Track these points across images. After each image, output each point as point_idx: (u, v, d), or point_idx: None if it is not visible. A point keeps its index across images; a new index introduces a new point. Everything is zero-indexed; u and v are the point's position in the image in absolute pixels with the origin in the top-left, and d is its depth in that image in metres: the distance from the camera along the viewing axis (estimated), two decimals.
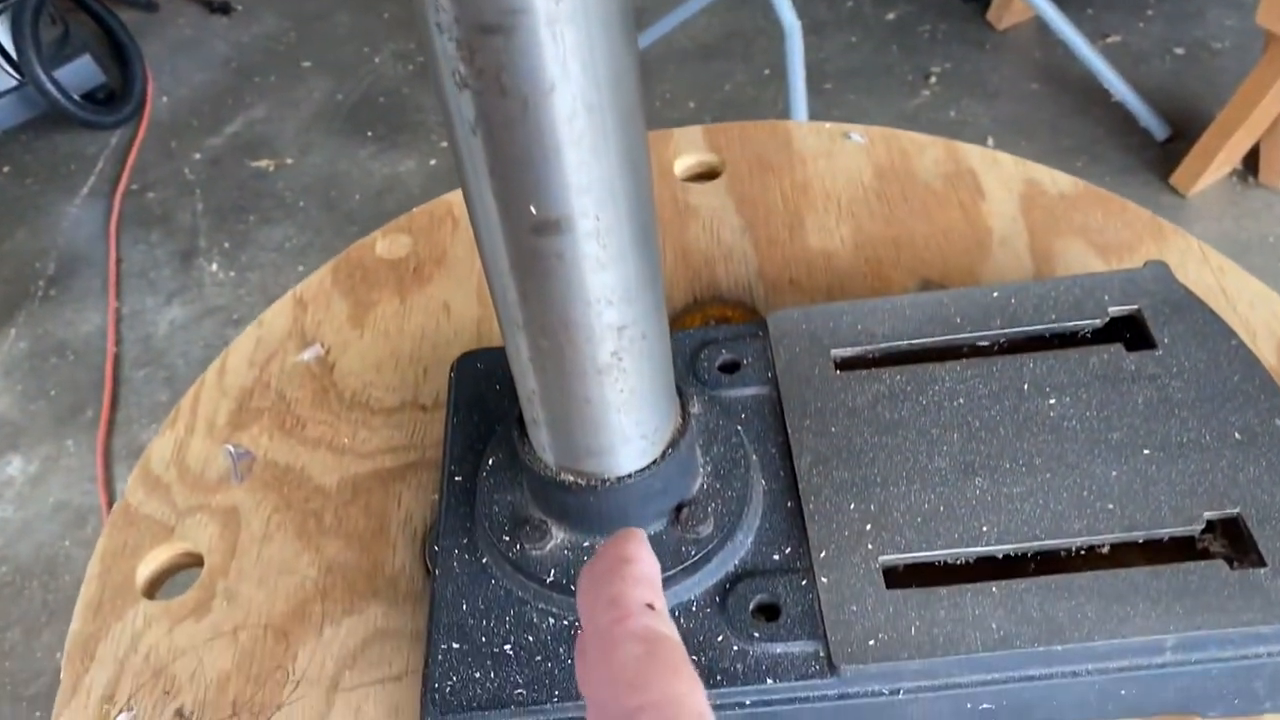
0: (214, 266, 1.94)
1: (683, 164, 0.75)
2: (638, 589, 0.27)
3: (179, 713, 0.51)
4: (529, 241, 0.37)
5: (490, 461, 0.52)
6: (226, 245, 1.98)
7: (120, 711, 0.51)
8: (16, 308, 1.90)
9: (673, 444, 0.47)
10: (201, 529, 0.58)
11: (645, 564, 0.27)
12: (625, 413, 0.43)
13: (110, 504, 1.61)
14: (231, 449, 0.61)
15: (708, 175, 0.75)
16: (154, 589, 0.57)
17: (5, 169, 2.19)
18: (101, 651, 0.54)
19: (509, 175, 0.35)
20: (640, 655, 0.25)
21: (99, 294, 1.91)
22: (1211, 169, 1.73)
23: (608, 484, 0.46)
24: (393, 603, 0.54)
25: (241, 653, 0.53)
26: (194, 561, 0.58)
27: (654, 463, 0.46)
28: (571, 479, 0.46)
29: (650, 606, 0.26)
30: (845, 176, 0.72)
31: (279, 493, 0.59)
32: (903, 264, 0.66)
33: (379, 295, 0.69)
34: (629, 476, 0.46)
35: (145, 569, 0.57)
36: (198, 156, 2.18)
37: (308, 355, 0.66)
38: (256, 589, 0.55)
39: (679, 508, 0.49)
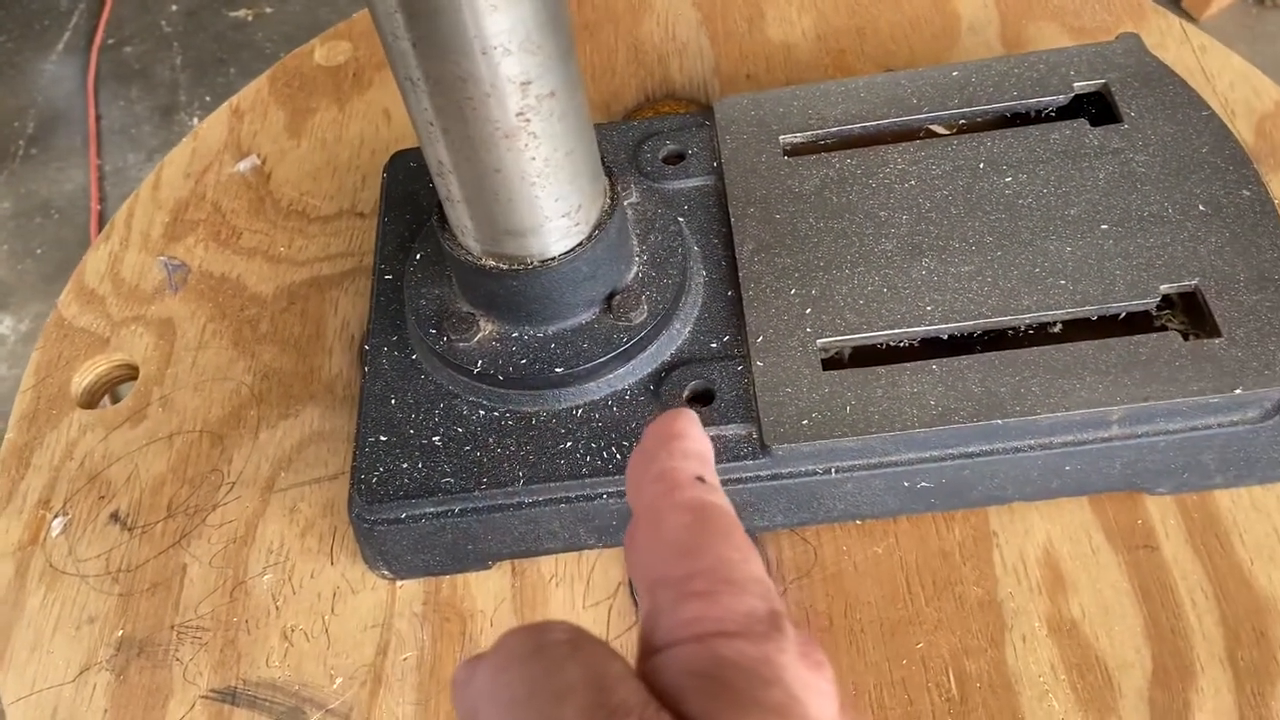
0: (195, 121, 1.89)
1: None
2: (687, 463, 0.25)
3: (114, 515, 0.51)
4: None
5: (418, 256, 0.50)
6: (208, 99, 1.93)
7: (56, 515, 0.51)
8: None
9: (600, 225, 0.44)
10: (137, 339, 0.57)
11: (695, 440, 0.26)
12: (542, 185, 0.41)
13: None
14: (166, 260, 0.59)
15: None
16: (92, 401, 0.56)
17: None
18: (37, 459, 0.53)
19: None
20: (690, 523, 0.23)
21: (80, 152, 1.88)
22: None
23: (532, 268, 0.44)
24: (329, 406, 0.53)
25: (177, 457, 0.52)
26: (130, 374, 0.56)
27: (580, 244, 0.44)
28: (494, 264, 0.44)
29: (701, 480, 0.24)
30: None
31: (214, 302, 0.57)
32: (866, 55, 0.63)
33: (317, 103, 0.66)
34: (553, 260, 0.44)
35: (81, 379, 0.56)
36: (174, 8, 2.10)
37: (244, 166, 0.63)
38: (192, 395, 0.54)
39: (611, 295, 0.47)
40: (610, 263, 0.46)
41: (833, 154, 0.52)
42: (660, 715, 0.19)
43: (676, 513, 0.23)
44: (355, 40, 0.69)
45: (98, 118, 1.93)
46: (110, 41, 2.06)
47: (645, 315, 0.46)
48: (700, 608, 0.21)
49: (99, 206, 1.79)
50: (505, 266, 0.44)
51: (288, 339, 0.55)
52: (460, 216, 0.43)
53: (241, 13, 2.07)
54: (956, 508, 0.46)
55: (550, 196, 0.42)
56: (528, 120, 0.38)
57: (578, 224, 0.44)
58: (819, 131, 0.53)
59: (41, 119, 1.95)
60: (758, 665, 0.20)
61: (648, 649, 0.22)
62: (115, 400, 0.58)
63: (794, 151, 0.53)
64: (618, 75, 0.64)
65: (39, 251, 1.75)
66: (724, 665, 0.20)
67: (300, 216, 0.60)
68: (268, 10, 2.07)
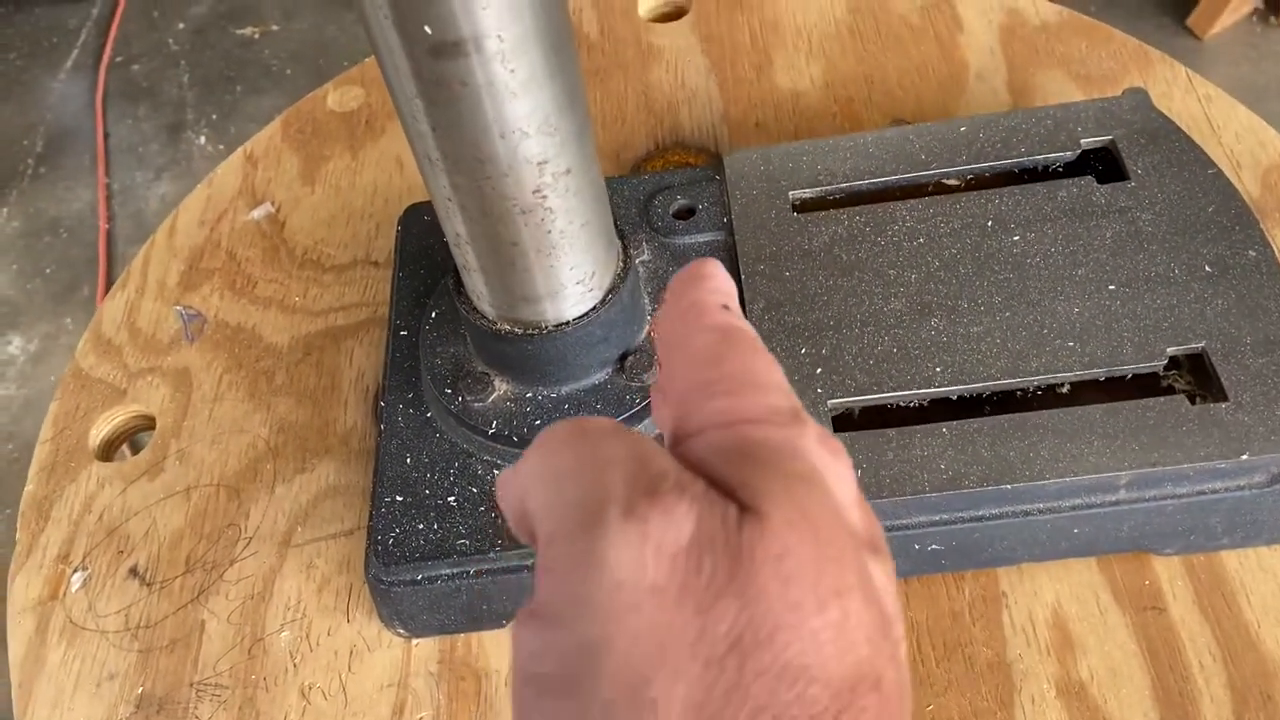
0: (202, 139, 1.90)
1: (648, 3, 0.71)
2: (714, 296, 0.27)
3: (133, 570, 0.51)
4: (430, 67, 0.34)
5: (434, 314, 0.50)
6: (214, 117, 1.94)
7: (75, 570, 0.52)
8: (7, 186, 1.88)
9: (613, 289, 0.45)
10: (154, 390, 0.57)
11: (721, 279, 0.27)
12: (557, 257, 0.42)
13: None
14: (182, 310, 0.60)
15: (674, 15, 0.71)
16: (109, 452, 0.57)
17: None
18: (56, 513, 0.54)
19: None
20: (718, 340, 0.25)
21: (88, 170, 1.89)
22: (1230, 9, 1.65)
23: (546, 332, 0.44)
24: (344, 460, 0.53)
25: (194, 511, 0.53)
26: (147, 424, 0.57)
27: (594, 309, 0.45)
28: (509, 328, 0.45)
29: (726, 308, 0.26)
30: (817, 11, 0.68)
31: (230, 353, 0.58)
32: (874, 103, 0.63)
33: (331, 150, 0.66)
34: (567, 325, 0.44)
35: (98, 432, 0.56)
36: (181, 26, 2.11)
37: (258, 213, 0.64)
38: (209, 449, 0.55)
39: (624, 356, 0.47)
40: (623, 324, 0.47)
41: (842, 210, 0.52)
42: (695, 480, 0.21)
43: (705, 333, 0.25)
44: (367, 86, 0.69)
45: (106, 136, 1.94)
46: (118, 59, 2.07)
47: (658, 376, 0.47)
48: (728, 402, 0.23)
49: (107, 225, 1.80)
50: (520, 331, 0.45)
51: (303, 391, 0.56)
52: (476, 284, 0.44)
53: (248, 30, 2.08)
54: (966, 568, 0.47)
55: (565, 265, 0.42)
56: (544, 197, 0.39)
57: (591, 289, 0.44)
58: (828, 187, 0.54)
59: (50, 137, 1.96)
60: (782, 444, 0.22)
61: (677, 438, 0.23)
62: (135, 449, 0.58)
63: (803, 207, 0.54)
64: (627, 123, 0.65)
65: (48, 271, 1.76)
66: (752, 443, 0.22)
67: (315, 265, 0.61)
68: (274, 28, 2.08)
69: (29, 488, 0.55)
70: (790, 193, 0.54)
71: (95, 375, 0.58)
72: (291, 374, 0.57)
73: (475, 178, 0.38)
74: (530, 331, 0.44)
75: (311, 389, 0.56)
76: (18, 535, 0.53)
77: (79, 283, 1.74)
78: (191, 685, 0.48)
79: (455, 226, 0.41)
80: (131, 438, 0.58)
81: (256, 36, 2.06)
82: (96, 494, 0.54)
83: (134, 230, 1.79)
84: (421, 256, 0.55)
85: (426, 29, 0.33)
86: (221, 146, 1.88)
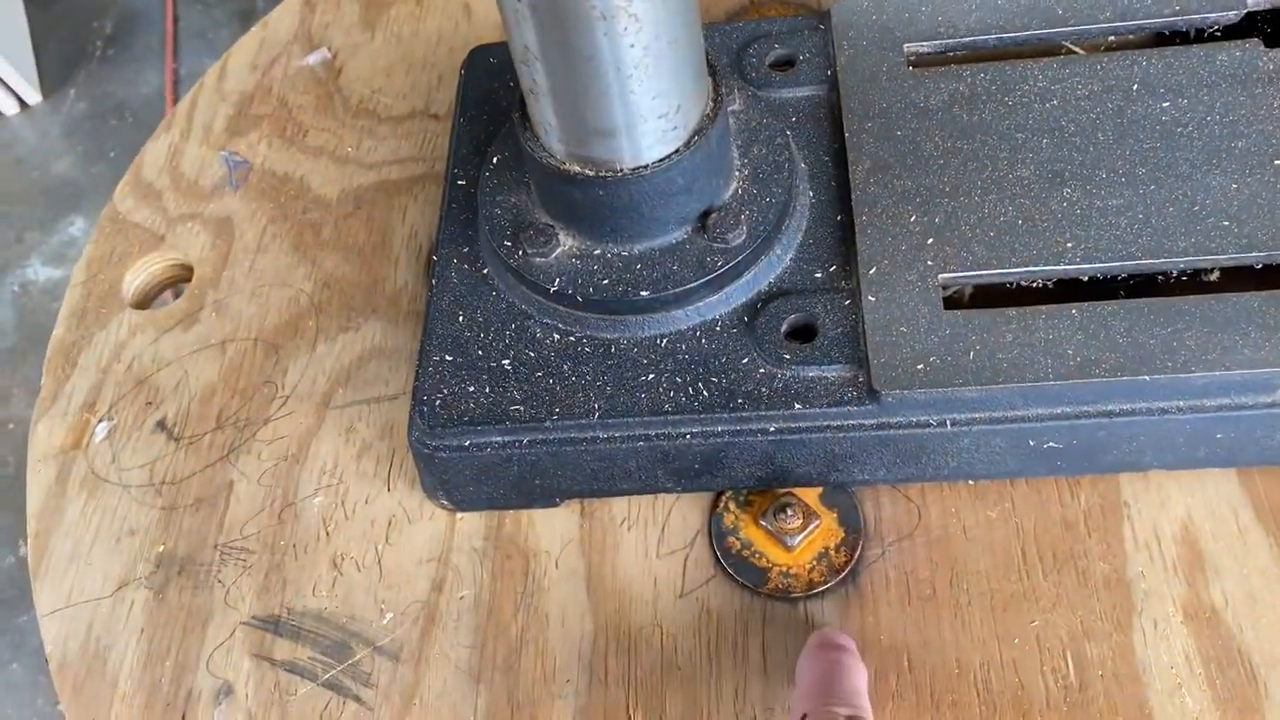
0: None
1: None
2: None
3: (160, 424, 0.47)
4: None
5: (495, 160, 0.45)
6: None
7: (100, 420, 0.48)
8: (75, 67, 1.85)
9: (699, 131, 0.39)
10: (193, 238, 0.53)
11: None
12: (639, 78, 0.36)
13: None
14: (228, 155, 0.56)
15: None
16: (144, 302, 0.53)
17: None
18: (84, 359, 0.50)
19: None
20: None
21: (157, 54, 1.85)
22: None
23: (620, 175, 0.39)
24: (392, 320, 0.49)
25: (229, 365, 0.49)
26: (185, 276, 0.53)
27: (676, 151, 0.39)
28: (579, 169, 0.39)
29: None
30: None
31: (276, 203, 0.53)
32: None
33: None
34: (645, 168, 0.39)
35: (133, 277, 0.52)
36: None
37: (313, 59, 0.59)
38: (248, 302, 0.50)
39: (706, 213, 0.42)
40: (708, 175, 0.41)
41: (964, 67, 0.46)
42: None
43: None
44: None
45: (176, 20, 1.90)
46: None
47: (744, 237, 0.41)
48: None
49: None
50: (591, 172, 0.39)
51: (351, 246, 0.51)
52: (544, 112, 0.39)
53: None
54: (1085, 472, 0.41)
55: (647, 92, 0.37)
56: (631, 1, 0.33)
57: (675, 127, 0.39)
58: (949, 41, 0.47)
59: (120, 19, 1.93)
60: None
61: None
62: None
63: (920, 63, 0.47)
64: None
65: (112, 155, 1.74)
66: None
67: (370, 116, 0.56)
68: None
69: (57, 332, 0.51)
70: (905, 45, 0.47)
71: (133, 219, 0.54)
72: (340, 228, 0.52)
73: None
74: (603, 173, 0.39)
75: (360, 245, 0.51)
76: (42, 380, 0.50)
77: None
78: (216, 547, 0.44)
79: (524, 36, 0.36)
80: (167, 289, 0.54)
81: None
82: (127, 342, 0.50)
83: None
84: (484, 102, 0.50)
85: None
86: None
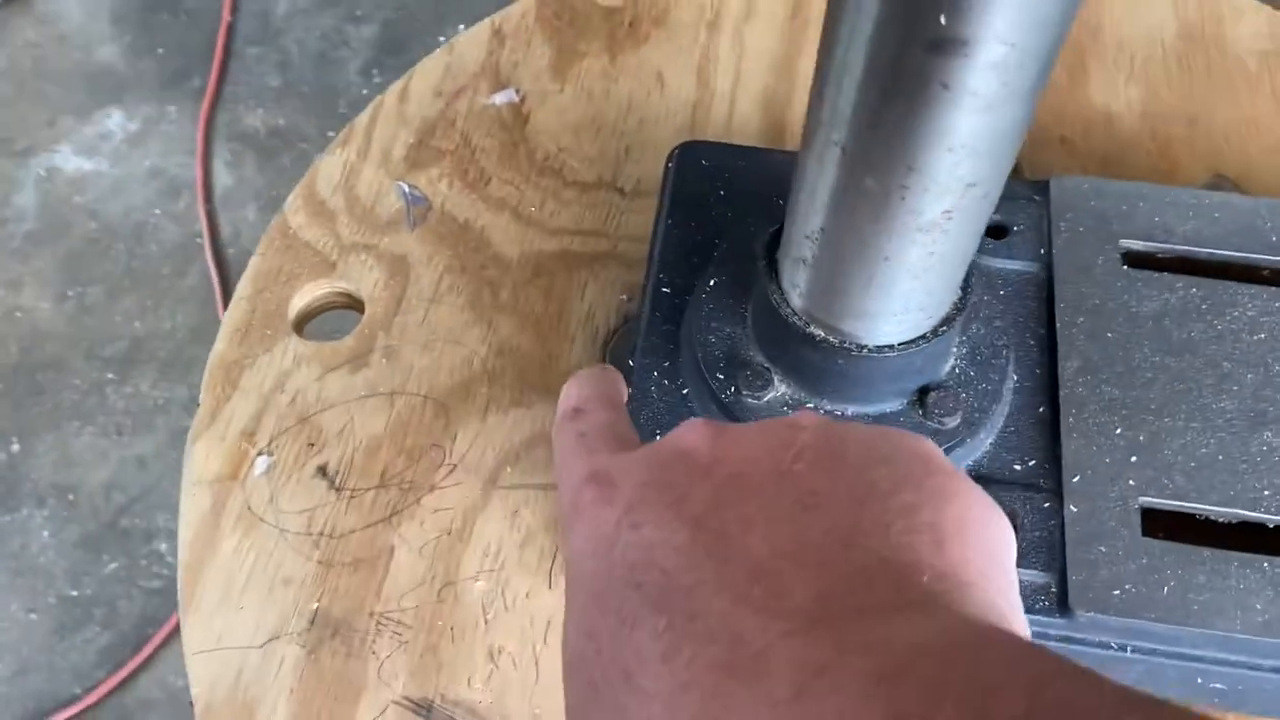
0: None
1: None
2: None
3: (322, 470, 0.47)
4: (916, 59, 0.29)
5: (712, 283, 0.45)
6: None
7: (260, 454, 0.47)
8: None
9: (947, 321, 0.40)
10: (366, 271, 0.52)
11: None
12: (922, 279, 0.36)
13: (206, 181, 1.57)
14: (406, 188, 0.55)
15: None
16: (304, 323, 0.52)
17: None
18: (245, 381, 0.49)
19: None
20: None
21: None
22: None
23: (864, 351, 0.39)
24: None
25: (396, 420, 0.48)
26: (352, 305, 0.52)
27: (923, 337, 0.39)
28: (822, 335, 0.40)
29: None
30: (1145, 29, 0.61)
31: (454, 250, 0.53)
32: (1196, 149, 0.57)
33: (587, 46, 0.60)
34: (890, 348, 0.39)
35: (300, 300, 0.52)
36: None
37: (500, 99, 0.58)
38: (420, 354, 0.50)
39: (925, 389, 0.42)
40: (941, 358, 0.42)
41: (1178, 277, 0.47)
42: None
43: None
44: None
45: None
46: None
47: (959, 421, 0.42)
48: None
49: (230, 18, 1.72)
50: (835, 342, 0.39)
51: (528, 315, 0.51)
52: (802, 280, 0.39)
53: None
54: (1239, 710, 0.43)
55: (924, 290, 0.37)
56: (951, 219, 0.34)
57: (930, 318, 0.39)
58: (1163, 245, 0.48)
59: None
60: None
61: None
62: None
63: (1134, 261, 0.48)
64: None
65: (160, 51, 1.69)
66: None
67: (556, 176, 0.55)
68: None
69: (218, 346, 0.50)
70: (1121, 240, 0.48)
71: (304, 238, 0.53)
72: (518, 293, 0.52)
73: (889, 184, 0.32)
74: (845, 344, 0.39)
75: (537, 315, 0.51)
76: (201, 397, 0.49)
77: (190, 72, 1.67)
78: (372, 615, 0.44)
79: (816, 221, 0.36)
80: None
81: None
82: (291, 372, 0.50)
83: (257, 30, 1.71)
84: (694, 207, 0.50)
85: (941, 19, 0.27)
86: None
